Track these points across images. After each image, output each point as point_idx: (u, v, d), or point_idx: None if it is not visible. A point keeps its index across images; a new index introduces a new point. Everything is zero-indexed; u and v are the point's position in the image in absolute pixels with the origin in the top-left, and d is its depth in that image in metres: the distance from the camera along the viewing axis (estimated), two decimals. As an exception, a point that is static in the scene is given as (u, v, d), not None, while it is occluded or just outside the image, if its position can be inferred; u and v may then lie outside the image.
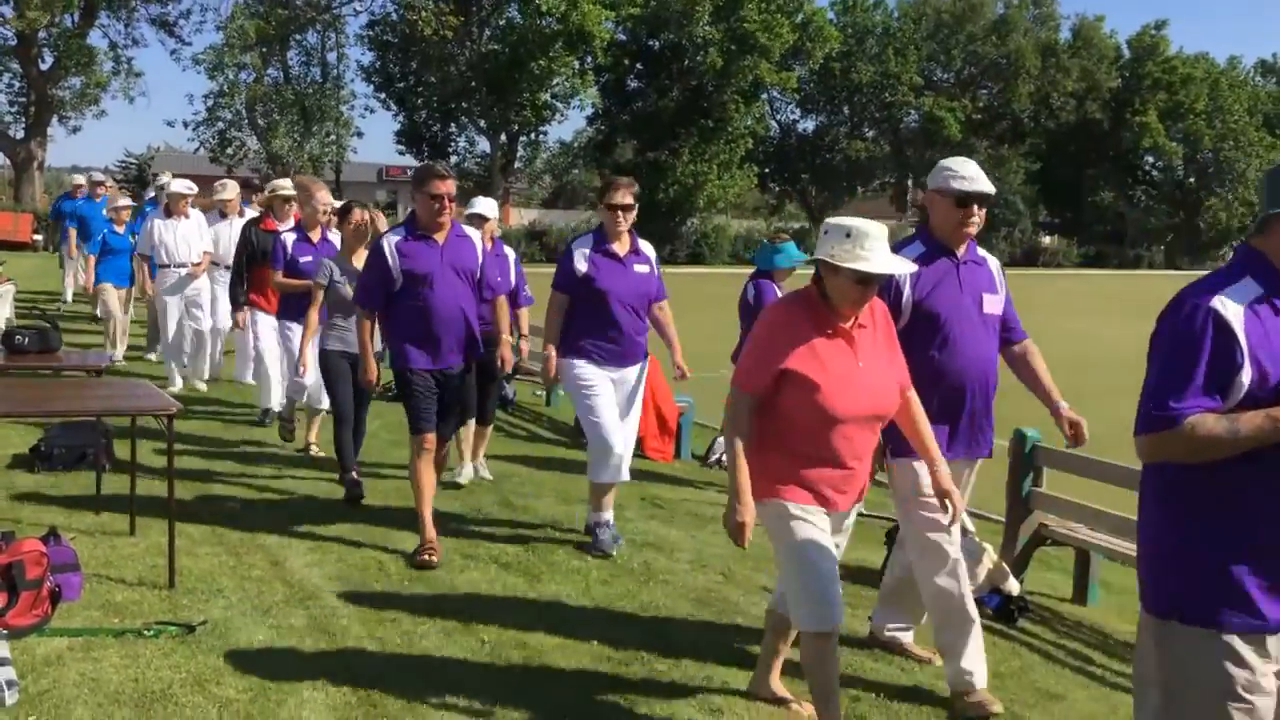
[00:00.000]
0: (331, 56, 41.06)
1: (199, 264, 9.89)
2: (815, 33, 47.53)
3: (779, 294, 6.58)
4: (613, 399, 5.74)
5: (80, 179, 16.12)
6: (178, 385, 9.67)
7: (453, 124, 45.23)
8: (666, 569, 5.58)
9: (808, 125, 57.30)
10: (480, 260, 5.66)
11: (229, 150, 38.86)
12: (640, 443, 7.01)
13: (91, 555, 5.11)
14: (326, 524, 5.99)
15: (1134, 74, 59.03)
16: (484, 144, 44.62)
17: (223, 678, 3.99)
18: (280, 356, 8.08)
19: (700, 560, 5.75)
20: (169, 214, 9.92)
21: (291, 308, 7.41)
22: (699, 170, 44.52)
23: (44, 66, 35.69)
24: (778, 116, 56.13)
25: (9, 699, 2.61)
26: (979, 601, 5.16)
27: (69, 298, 16.04)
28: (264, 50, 38.02)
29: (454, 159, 44.40)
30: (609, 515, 5.85)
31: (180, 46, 43.32)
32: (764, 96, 50.38)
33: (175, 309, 9.84)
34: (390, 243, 5.45)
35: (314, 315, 6.61)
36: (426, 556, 5.37)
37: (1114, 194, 59.96)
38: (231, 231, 9.78)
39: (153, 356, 11.32)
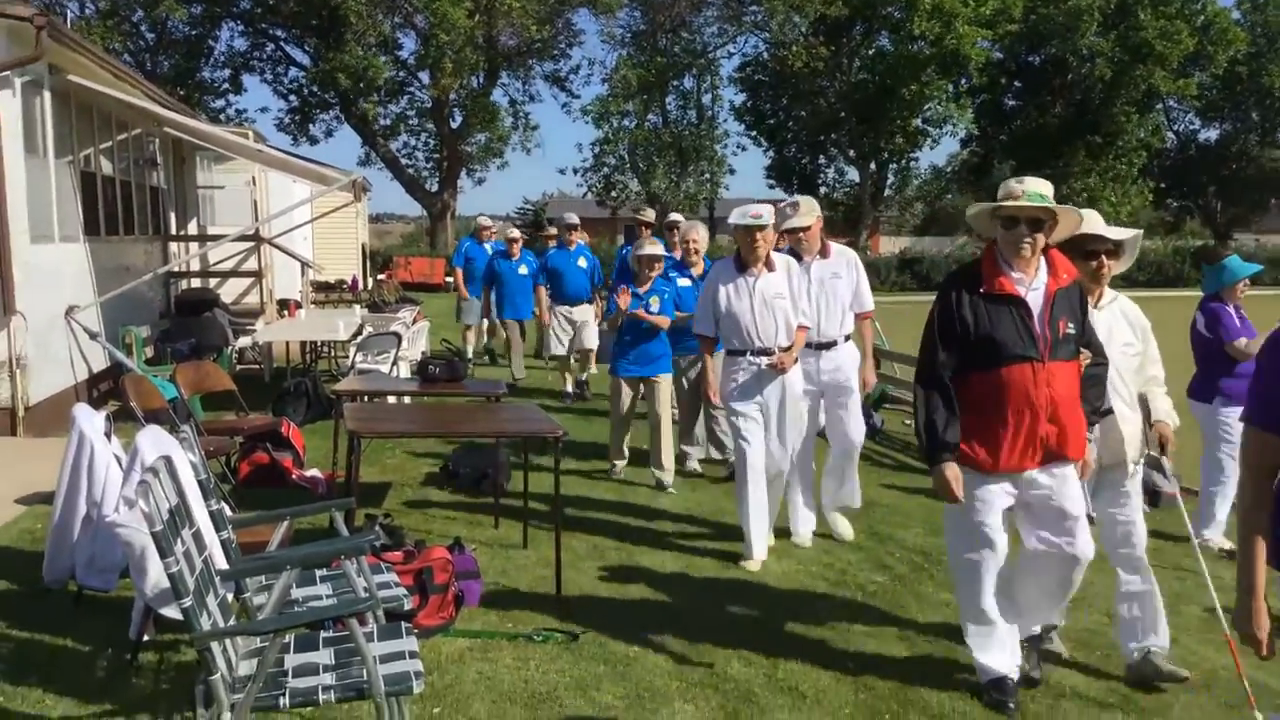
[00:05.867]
0: (706, 99, 42.69)
1: (789, 349, 5.89)
2: (1218, 35, 43.60)
3: (1234, 315, 6.35)
4: None
5: (486, 221, 13.78)
6: (759, 556, 5.89)
7: (821, 155, 45.58)
8: (1043, 606, 5.31)
9: (1210, 135, 52.63)
10: None
11: (613, 193, 41.33)
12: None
13: (490, 565, 5.61)
14: (696, 546, 6.23)
15: None
16: (853, 173, 44.60)
17: (601, 683, 4.26)
18: None
19: (1085, 599, 5.41)
20: (741, 265, 5.96)
21: None
22: (1088, 187, 42.05)
23: (454, 125, 39.59)
24: (1175, 126, 51.94)
25: (416, 688, 2.97)
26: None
27: (470, 353, 13.35)
28: (644, 97, 40.15)
29: (823, 190, 44.70)
30: None
31: (570, 99, 46.81)
32: (1159, 106, 46.83)
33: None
34: None
35: None
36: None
37: None
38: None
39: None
